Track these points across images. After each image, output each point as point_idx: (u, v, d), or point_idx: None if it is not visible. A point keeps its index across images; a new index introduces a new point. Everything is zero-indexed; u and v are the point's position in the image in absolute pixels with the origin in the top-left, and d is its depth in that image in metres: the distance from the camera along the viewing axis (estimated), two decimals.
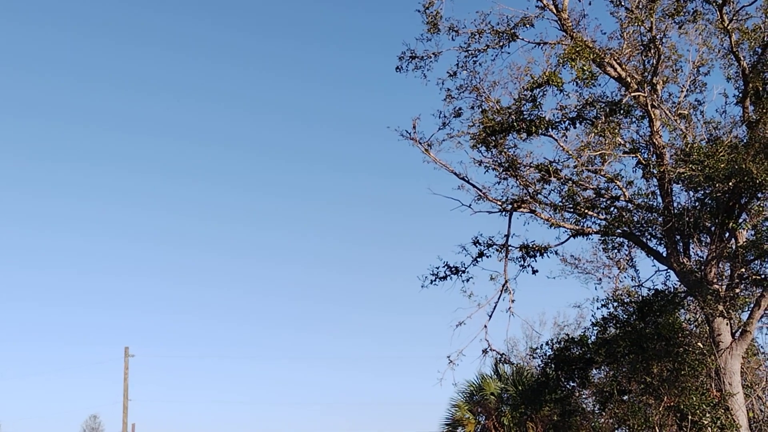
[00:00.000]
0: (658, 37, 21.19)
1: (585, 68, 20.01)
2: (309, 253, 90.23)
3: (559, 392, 22.60)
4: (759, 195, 20.69)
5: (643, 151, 21.86)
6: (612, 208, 22.24)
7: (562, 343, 22.63)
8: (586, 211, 22.04)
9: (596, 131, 21.62)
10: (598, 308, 22.46)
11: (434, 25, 21.56)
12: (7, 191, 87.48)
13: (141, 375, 70.33)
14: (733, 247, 21.25)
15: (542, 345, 23.03)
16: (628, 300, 23.08)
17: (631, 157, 22.10)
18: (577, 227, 22.26)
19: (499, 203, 22.25)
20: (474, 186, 22.21)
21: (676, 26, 21.99)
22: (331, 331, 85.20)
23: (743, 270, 21.47)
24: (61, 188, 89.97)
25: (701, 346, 21.03)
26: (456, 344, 21.43)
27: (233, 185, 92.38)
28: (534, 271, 22.25)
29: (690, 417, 19.53)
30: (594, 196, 22.35)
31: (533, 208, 22.13)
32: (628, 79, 21.30)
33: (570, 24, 21.17)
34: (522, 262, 22.25)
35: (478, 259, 22.17)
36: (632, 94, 21.02)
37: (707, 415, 19.50)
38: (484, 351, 21.72)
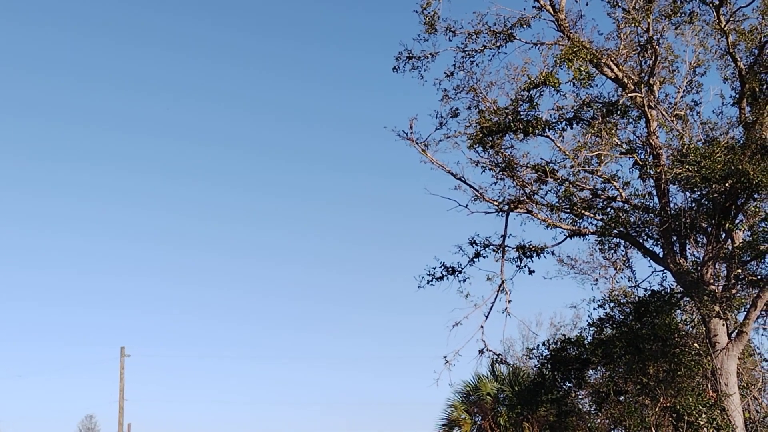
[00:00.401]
0: (654, 37, 21.21)
1: (582, 69, 20.02)
2: (308, 253, 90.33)
3: (556, 393, 22.61)
4: (755, 196, 20.71)
5: (639, 151, 21.88)
6: (609, 209, 22.25)
7: (559, 343, 22.64)
8: (583, 211, 22.04)
9: (593, 132, 21.63)
10: (594, 309, 22.53)
11: (431, 25, 21.56)
12: (7, 191, 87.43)
13: (137, 375, 70.30)
14: (730, 247, 21.27)
15: (539, 345, 23.06)
16: (624, 300, 23.11)
17: (627, 158, 22.12)
18: (574, 228, 22.27)
19: (496, 203, 22.25)
20: (471, 186, 22.24)
21: (673, 27, 22.04)
22: (331, 331, 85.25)
23: (739, 271, 21.49)
24: (61, 188, 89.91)
25: (697, 346, 21.05)
26: (452, 344, 21.49)
27: (233, 185, 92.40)
28: (531, 272, 22.26)
29: (686, 417, 19.54)
30: (591, 196, 22.35)
31: (530, 209, 22.13)
32: (625, 80, 21.31)
33: (567, 24, 21.18)
34: (519, 263, 22.26)
35: (474, 259, 22.18)
36: (629, 94, 21.04)
37: (703, 415, 19.52)
38: (481, 351, 21.73)
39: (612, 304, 22.38)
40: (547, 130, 21.38)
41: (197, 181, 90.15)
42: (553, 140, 22.01)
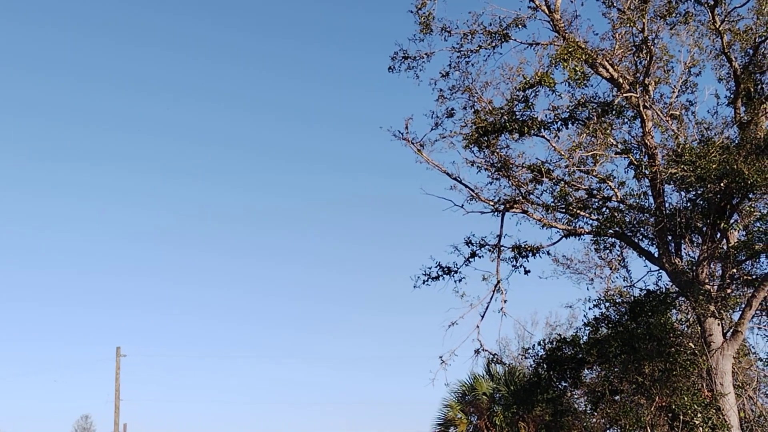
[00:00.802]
0: (650, 38, 21.24)
1: (577, 69, 20.06)
2: (308, 253, 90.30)
3: (551, 392, 22.63)
4: (750, 196, 20.74)
5: (635, 151, 21.91)
6: (604, 209, 22.27)
7: (554, 343, 22.67)
8: (578, 211, 22.06)
9: (588, 132, 21.66)
10: (590, 308, 22.55)
11: (427, 25, 21.57)
12: (6, 191, 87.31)
13: (133, 375, 70.09)
14: (725, 247, 21.31)
15: (534, 345, 23.08)
16: (619, 300, 23.14)
17: (623, 158, 22.15)
18: (569, 227, 22.29)
19: (492, 203, 22.26)
20: (466, 186, 22.24)
21: (668, 27, 22.07)
22: (329, 331, 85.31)
23: (734, 270, 21.53)
24: (60, 188, 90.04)
25: (693, 346, 21.08)
26: (448, 344, 21.43)
27: (232, 185, 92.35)
28: (526, 272, 22.28)
29: (681, 417, 19.57)
30: (586, 196, 22.37)
31: (525, 209, 22.15)
32: (620, 80, 21.34)
33: (562, 25, 21.20)
34: (514, 263, 22.28)
35: (470, 259, 22.19)
36: (624, 94, 21.07)
37: (698, 415, 19.54)
38: (477, 351, 21.74)
39: (607, 304, 22.41)
40: (542, 130, 21.40)
41: (196, 181, 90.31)
42: (548, 140, 22.03)
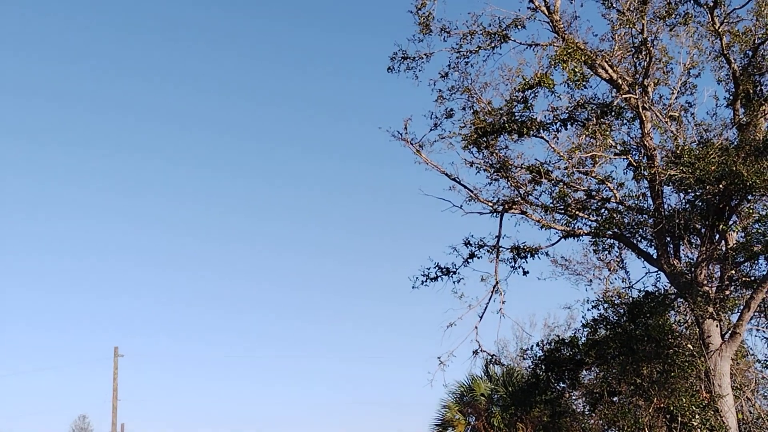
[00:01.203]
0: (649, 39, 21.23)
1: (576, 70, 20.05)
2: (308, 244, 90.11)
3: (550, 393, 22.63)
4: (749, 197, 20.74)
5: (634, 152, 21.90)
6: (603, 210, 22.27)
7: (553, 344, 22.67)
8: (577, 212, 22.07)
9: (587, 133, 21.65)
10: (588, 310, 22.54)
11: (426, 26, 21.56)
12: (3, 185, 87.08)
13: (131, 375, 70.11)
14: (723, 249, 21.31)
15: (532, 346, 23.09)
16: (618, 301, 23.13)
17: (622, 159, 22.14)
18: (568, 229, 22.29)
19: (491, 204, 22.26)
20: (465, 187, 22.24)
21: (668, 29, 22.06)
22: (330, 324, 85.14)
23: (733, 272, 21.54)
24: (61, 175, 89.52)
25: (691, 347, 21.07)
26: (446, 345, 21.48)
27: (234, 174, 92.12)
28: (525, 273, 22.28)
29: (679, 418, 19.57)
30: (585, 197, 22.37)
31: (524, 210, 22.15)
32: (620, 81, 21.34)
33: (561, 26, 21.20)
34: (513, 264, 22.29)
35: (469, 260, 22.19)
36: (623, 95, 21.06)
37: (697, 416, 19.54)
38: (475, 352, 21.73)
39: (606, 305, 22.40)
40: (541, 131, 21.40)
41: (197, 170, 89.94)
42: (547, 141, 22.02)
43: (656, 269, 22.06)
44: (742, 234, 21.69)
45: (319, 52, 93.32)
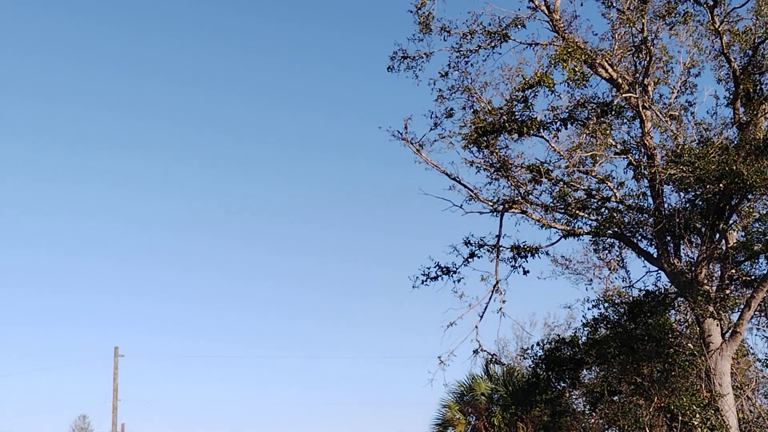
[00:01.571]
0: (649, 38, 21.22)
1: (576, 69, 20.05)
2: (309, 244, 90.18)
3: (550, 393, 22.64)
4: (749, 196, 20.75)
5: (634, 152, 21.90)
6: (603, 209, 22.27)
7: (553, 343, 22.67)
8: (577, 211, 22.07)
9: (587, 132, 21.65)
10: (588, 309, 22.54)
11: (426, 25, 21.55)
12: (3, 184, 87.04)
13: (131, 374, 70.09)
14: (724, 248, 21.31)
15: (533, 345, 23.09)
16: (618, 301, 23.14)
17: (622, 158, 22.13)
18: (568, 228, 22.29)
19: (491, 204, 22.26)
20: (465, 186, 22.24)
21: (668, 28, 22.04)
22: (330, 329, 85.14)
23: (733, 271, 21.54)
24: (62, 173, 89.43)
25: (691, 347, 21.08)
26: (447, 345, 21.44)
27: (235, 173, 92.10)
28: (525, 272, 22.27)
29: (680, 418, 19.57)
30: (585, 196, 22.37)
31: (524, 209, 22.14)
32: (620, 80, 21.34)
33: (561, 25, 21.20)
34: (513, 263, 22.28)
35: (469, 259, 22.19)
36: (623, 95, 21.06)
37: (697, 415, 19.54)
38: (475, 351, 21.72)
39: (606, 305, 22.41)
40: (541, 130, 21.39)
41: (199, 169, 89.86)
42: (547, 140, 22.02)
43: (656, 268, 22.06)
44: (743, 233, 21.70)
45: (319, 51, 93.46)
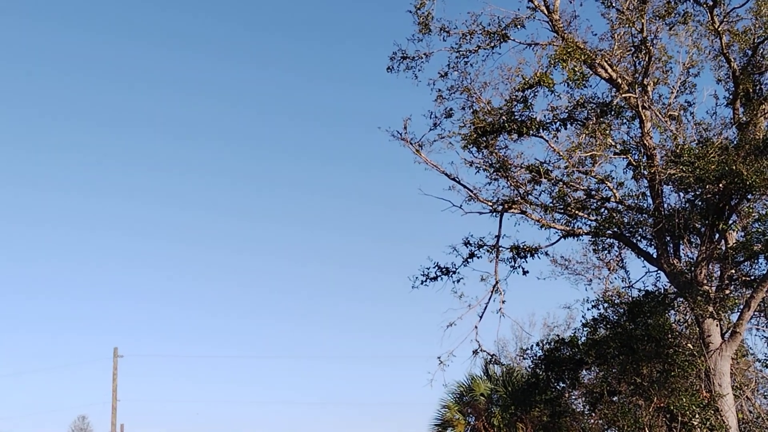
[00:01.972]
0: (648, 38, 21.22)
1: (576, 69, 20.04)
2: (308, 249, 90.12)
3: (549, 393, 22.61)
4: (749, 196, 20.73)
5: (633, 152, 21.89)
6: (602, 209, 22.26)
7: (552, 344, 22.65)
8: (577, 212, 22.05)
9: (587, 132, 21.64)
10: (588, 309, 22.51)
11: (425, 25, 21.55)
12: (4, 186, 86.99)
13: (130, 375, 70.02)
14: (723, 248, 21.30)
15: (532, 346, 23.06)
16: (618, 301, 23.12)
17: (621, 159, 22.13)
18: (568, 228, 22.28)
19: (490, 204, 22.25)
20: (465, 187, 22.23)
21: (667, 28, 22.05)
22: (327, 327, 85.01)
23: (733, 271, 21.53)
24: (59, 183, 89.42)
25: (691, 347, 21.06)
26: (446, 345, 21.43)
27: (233, 178, 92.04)
28: (524, 272, 22.26)
29: (680, 418, 19.56)
30: (584, 197, 22.36)
31: (524, 209, 22.13)
32: (619, 81, 21.33)
33: (561, 25, 21.19)
34: (512, 263, 22.27)
35: (468, 259, 22.17)
36: (623, 95, 21.06)
37: (697, 416, 19.53)
38: (475, 352, 21.71)
39: (606, 305, 22.38)
40: (541, 130, 21.38)
41: (196, 178, 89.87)
42: (547, 141, 22.01)
43: (656, 269, 22.05)
44: (742, 233, 21.69)
45: (318, 51, 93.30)
